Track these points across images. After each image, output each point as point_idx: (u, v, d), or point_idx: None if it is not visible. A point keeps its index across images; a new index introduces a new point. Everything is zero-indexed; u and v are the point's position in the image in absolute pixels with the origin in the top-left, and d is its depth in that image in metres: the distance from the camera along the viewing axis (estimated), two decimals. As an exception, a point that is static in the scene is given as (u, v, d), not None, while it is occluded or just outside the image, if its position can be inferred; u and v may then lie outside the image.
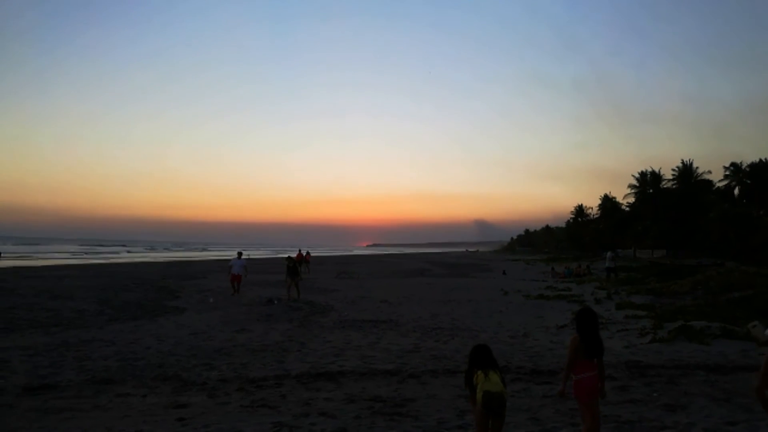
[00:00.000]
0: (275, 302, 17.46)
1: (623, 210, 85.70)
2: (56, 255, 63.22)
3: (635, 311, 14.84)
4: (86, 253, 73.50)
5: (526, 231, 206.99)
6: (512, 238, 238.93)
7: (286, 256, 22.29)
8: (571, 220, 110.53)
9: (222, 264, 35.24)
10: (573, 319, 4.87)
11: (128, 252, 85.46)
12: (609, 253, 31.36)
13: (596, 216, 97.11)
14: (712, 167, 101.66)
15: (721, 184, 71.97)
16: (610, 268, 29.36)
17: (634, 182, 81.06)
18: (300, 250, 37.00)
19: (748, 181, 69.06)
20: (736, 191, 71.19)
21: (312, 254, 39.45)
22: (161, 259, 58.63)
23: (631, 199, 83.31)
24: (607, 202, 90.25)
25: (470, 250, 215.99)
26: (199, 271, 34.75)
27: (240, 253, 20.73)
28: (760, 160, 68.13)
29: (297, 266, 19.52)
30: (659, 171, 78.92)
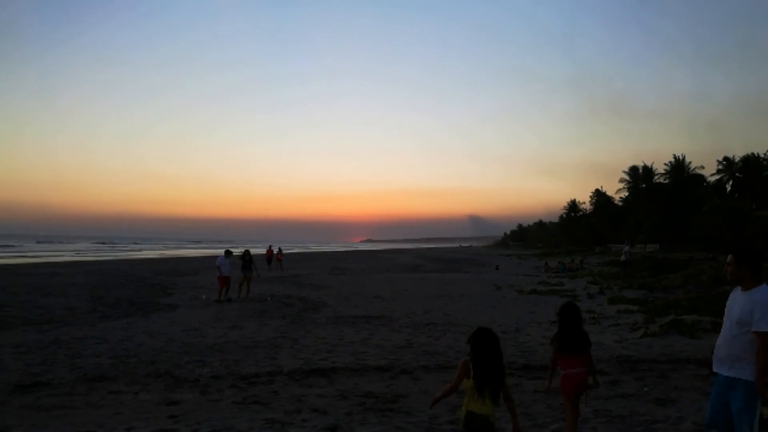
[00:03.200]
0: (268, 299, 17.43)
1: (616, 204, 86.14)
2: (64, 253, 63.49)
3: (627, 306, 14.94)
4: (104, 250, 75.07)
5: (519, 226, 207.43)
6: (505, 234, 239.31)
7: (244, 250, 19.20)
8: (564, 215, 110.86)
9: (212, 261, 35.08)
10: (556, 313, 4.88)
11: (140, 249, 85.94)
12: (625, 248, 31.03)
13: (589, 211, 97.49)
14: (703, 162, 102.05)
15: (713, 179, 72.56)
16: (624, 261, 28.48)
17: (626, 177, 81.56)
18: (270, 247, 34.84)
19: (740, 176, 69.61)
20: (729, 185, 71.77)
21: (306, 250, 39.06)
22: (155, 256, 58.39)
23: (624, 194, 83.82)
24: (600, 196, 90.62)
25: (464, 245, 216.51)
26: (192, 267, 34.63)
27: (229, 252, 18.02)
28: (752, 154, 68.69)
29: (252, 261, 18.02)
30: (651, 165, 79.45)
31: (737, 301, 3.78)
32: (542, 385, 6.91)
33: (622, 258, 29.06)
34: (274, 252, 33.80)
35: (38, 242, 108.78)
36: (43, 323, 12.17)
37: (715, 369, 3.87)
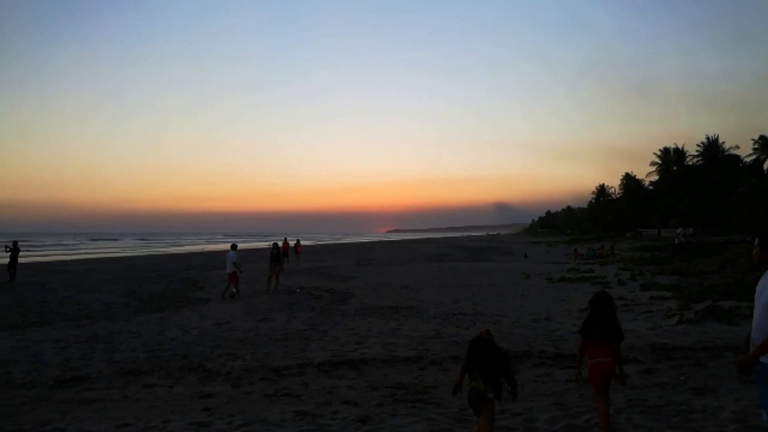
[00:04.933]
0: (297, 291, 17.61)
1: (646, 188, 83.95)
2: (109, 249, 66.19)
3: (660, 292, 14.58)
4: (141, 246, 79.26)
5: (548, 213, 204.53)
6: (533, 221, 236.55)
7: (273, 243, 19.82)
8: (593, 201, 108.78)
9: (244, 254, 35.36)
10: (588, 302, 4.80)
11: (181, 244, 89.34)
12: (680, 230, 30.72)
13: (618, 195, 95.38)
14: (737, 143, 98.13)
15: (748, 159, 69.88)
16: (678, 245, 28.38)
17: (657, 160, 79.27)
18: (286, 239, 33.60)
19: (778, 155, 66.84)
20: (766, 165, 69.05)
21: (333, 242, 38.79)
22: (189, 251, 59.70)
23: (654, 177, 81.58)
24: (630, 180, 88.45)
25: (491, 233, 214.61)
26: (221, 261, 35.16)
27: (234, 246, 17.85)
28: (791, 132, 65.75)
29: (281, 255, 18.47)
30: (683, 147, 77.01)
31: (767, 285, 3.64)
32: (574, 374, 6.82)
33: (677, 241, 28.43)
34: (291, 244, 33.51)
35: (93, 239, 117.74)
36: (80, 318, 12.58)
37: None
